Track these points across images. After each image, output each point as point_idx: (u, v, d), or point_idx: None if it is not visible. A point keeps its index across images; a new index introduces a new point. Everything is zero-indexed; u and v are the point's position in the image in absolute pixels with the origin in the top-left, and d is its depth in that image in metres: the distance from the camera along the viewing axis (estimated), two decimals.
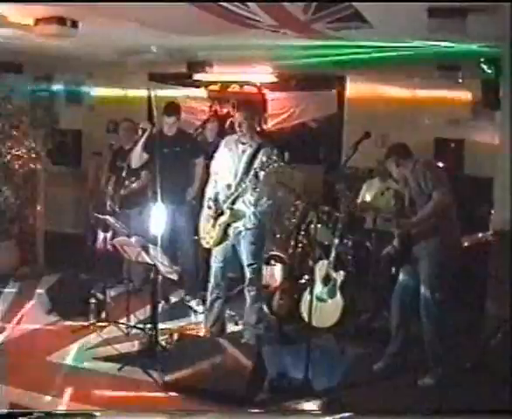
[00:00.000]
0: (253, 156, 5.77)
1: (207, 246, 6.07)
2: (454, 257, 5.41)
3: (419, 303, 5.37)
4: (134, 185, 7.12)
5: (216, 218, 5.90)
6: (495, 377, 5.21)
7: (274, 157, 5.77)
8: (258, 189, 5.71)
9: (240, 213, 5.82)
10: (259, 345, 5.69)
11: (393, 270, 5.90)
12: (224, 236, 5.92)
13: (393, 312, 5.65)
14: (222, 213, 5.86)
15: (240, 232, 5.89)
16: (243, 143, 5.88)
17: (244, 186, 5.72)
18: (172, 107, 7.06)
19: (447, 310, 5.44)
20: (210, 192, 6.02)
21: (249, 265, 5.95)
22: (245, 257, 5.95)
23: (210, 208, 5.95)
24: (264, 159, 5.67)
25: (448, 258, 5.32)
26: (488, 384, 5.21)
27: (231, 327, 6.42)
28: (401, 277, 5.57)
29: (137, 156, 6.79)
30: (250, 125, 5.86)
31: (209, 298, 6.15)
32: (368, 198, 7.19)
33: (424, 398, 5.17)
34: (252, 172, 5.67)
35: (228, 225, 5.89)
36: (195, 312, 6.99)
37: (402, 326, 5.57)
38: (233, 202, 5.81)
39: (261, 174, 5.67)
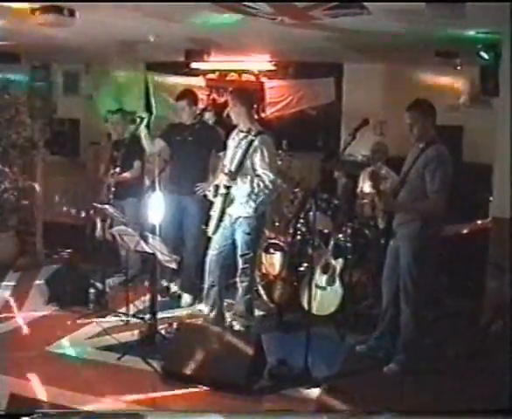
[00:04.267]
0: (250, 143, 5.78)
1: (209, 235, 6.09)
2: (434, 244, 5.33)
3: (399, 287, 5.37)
4: (125, 174, 7.09)
5: (213, 204, 5.99)
6: (495, 364, 5.22)
7: (271, 144, 5.86)
8: (252, 176, 5.73)
9: (232, 196, 5.85)
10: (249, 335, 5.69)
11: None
12: (220, 222, 5.93)
13: (383, 295, 5.64)
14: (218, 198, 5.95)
15: (236, 220, 5.90)
16: (242, 131, 5.93)
17: (236, 170, 5.76)
18: (182, 93, 6.91)
19: (426, 296, 5.45)
20: (216, 182, 6.08)
21: (242, 255, 5.96)
22: (239, 247, 5.96)
23: (209, 191, 6.05)
24: (260, 146, 5.73)
25: (428, 245, 5.25)
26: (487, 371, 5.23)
27: (230, 316, 6.41)
28: (387, 259, 5.54)
29: (148, 143, 6.75)
30: (244, 113, 5.88)
31: (205, 286, 6.16)
32: (366, 187, 7.18)
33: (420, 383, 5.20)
34: (247, 158, 5.71)
35: (223, 212, 5.91)
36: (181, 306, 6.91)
37: (390, 308, 5.55)
38: (227, 187, 5.85)
39: (256, 159, 5.73)
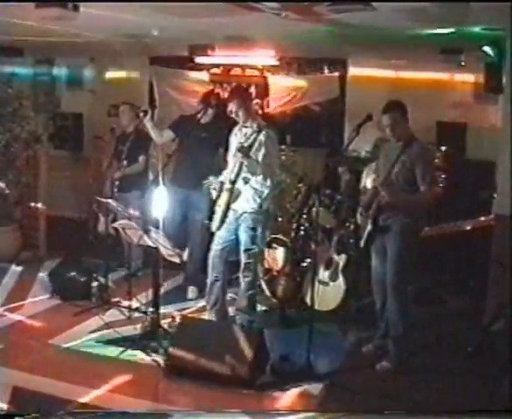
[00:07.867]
0: (255, 138, 5.78)
1: (213, 230, 6.07)
2: (420, 240, 5.40)
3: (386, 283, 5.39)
4: (129, 168, 7.09)
5: (218, 200, 5.96)
6: (496, 364, 5.22)
7: (275, 139, 5.86)
8: (256, 170, 5.72)
9: (237, 191, 5.84)
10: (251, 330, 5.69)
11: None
12: (224, 218, 5.93)
13: (375, 295, 5.63)
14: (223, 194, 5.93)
15: (240, 216, 5.90)
16: (246, 127, 5.94)
17: (240, 163, 5.75)
18: (206, 99, 6.95)
19: (412, 292, 5.56)
20: (221, 178, 6.06)
21: (245, 250, 5.95)
22: (243, 242, 5.96)
23: (214, 189, 6.00)
24: (263, 140, 5.73)
25: (414, 240, 5.31)
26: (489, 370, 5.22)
27: (233, 311, 6.42)
28: (374, 259, 5.54)
29: (156, 134, 6.82)
30: (247, 110, 5.90)
31: (208, 281, 6.16)
32: (368, 183, 7.16)
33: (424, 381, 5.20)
34: (252, 152, 5.70)
35: (228, 207, 5.90)
36: (189, 299, 6.97)
37: (385, 308, 5.54)
38: (233, 183, 5.84)
39: (260, 155, 5.73)
